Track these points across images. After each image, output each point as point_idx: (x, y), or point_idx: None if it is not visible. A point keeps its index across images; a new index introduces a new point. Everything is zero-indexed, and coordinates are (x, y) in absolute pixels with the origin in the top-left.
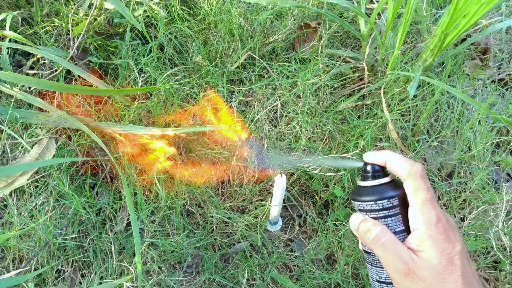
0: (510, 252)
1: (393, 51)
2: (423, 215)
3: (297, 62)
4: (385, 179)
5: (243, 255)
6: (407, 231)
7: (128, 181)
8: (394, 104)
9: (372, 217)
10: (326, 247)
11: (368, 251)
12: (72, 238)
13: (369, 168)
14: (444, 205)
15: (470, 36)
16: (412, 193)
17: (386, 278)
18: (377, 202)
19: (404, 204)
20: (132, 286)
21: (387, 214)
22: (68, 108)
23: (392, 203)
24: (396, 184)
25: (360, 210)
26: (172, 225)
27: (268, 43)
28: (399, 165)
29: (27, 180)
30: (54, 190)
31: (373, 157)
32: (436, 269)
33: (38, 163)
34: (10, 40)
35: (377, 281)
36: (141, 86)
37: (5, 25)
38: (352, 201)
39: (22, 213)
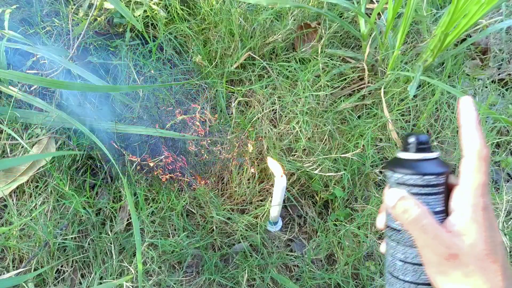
0: (510, 252)
1: (393, 51)
2: (474, 198)
3: (297, 62)
4: (434, 154)
5: (243, 255)
6: (446, 212)
7: (128, 181)
8: (394, 104)
9: (413, 193)
10: (326, 247)
11: (398, 228)
12: (72, 238)
13: (416, 139)
14: None
15: (470, 36)
16: (471, 172)
17: (414, 259)
18: (425, 177)
19: (446, 184)
20: (132, 286)
21: (430, 191)
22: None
23: (439, 181)
24: (442, 161)
25: (398, 184)
26: (172, 225)
27: (268, 43)
28: (473, 138)
29: (27, 180)
30: (54, 190)
31: (465, 107)
32: (479, 256)
33: (38, 156)
34: (9, 40)
35: (401, 260)
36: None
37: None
38: (389, 173)
39: (22, 213)
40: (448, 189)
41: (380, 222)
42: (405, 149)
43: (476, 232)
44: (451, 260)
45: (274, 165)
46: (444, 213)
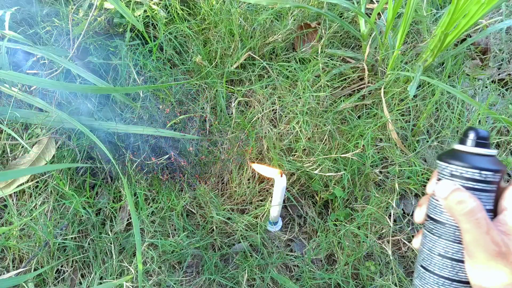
0: None
1: (393, 51)
2: None
3: (297, 62)
4: (493, 151)
5: (243, 255)
6: (494, 212)
7: (128, 181)
8: (394, 104)
9: (467, 187)
10: (326, 247)
11: (444, 221)
12: (72, 238)
13: (477, 133)
14: None
15: (470, 36)
16: None
17: (455, 255)
18: (482, 172)
19: (498, 184)
20: (132, 286)
21: (485, 187)
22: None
23: (495, 178)
24: (499, 161)
25: (452, 175)
26: (172, 225)
27: (268, 43)
28: None
29: (27, 180)
30: (54, 190)
31: None
32: None
33: (35, 169)
34: (10, 40)
35: (440, 255)
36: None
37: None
38: (444, 164)
39: (22, 213)
40: (499, 189)
41: (419, 215)
42: (464, 142)
43: None
44: (500, 258)
45: (263, 169)
46: (492, 212)
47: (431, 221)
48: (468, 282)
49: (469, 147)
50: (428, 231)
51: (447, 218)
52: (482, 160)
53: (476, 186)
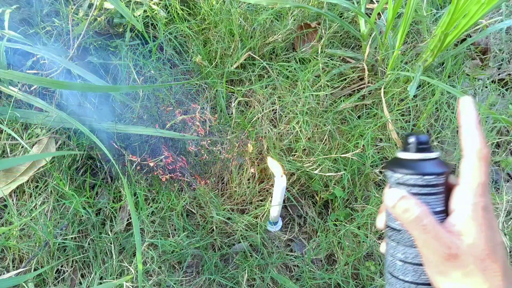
0: (510, 252)
1: (393, 51)
2: (475, 197)
3: (297, 62)
4: (434, 154)
5: (243, 255)
6: (446, 212)
7: (128, 181)
8: (394, 104)
9: (413, 193)
10: (326, 247)
11: (399, 228)
12: (72, 238)
13: (416, 139)
14: None
15: (470, 36)
16: (471, 172)
17: (414, 259)
18: (425, 177)
19: (446, 184)
20: (132, 286)
21: (430, 191)
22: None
23: (439, 181)
24: (443, 161)
25: (398, 184)
26: (172, 225)
27: (268, 43)
28: (473, 137)
29: (27, 180)
30: (54, 190)
31: (464, 108)
32: (480, 256)
33: (38, 156)
34: (9, 40)
35: (401, 260)
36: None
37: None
38: (389, 173)
39: (22, 213)
40: (448, 189)
41: (380, 222)
42: (405, 149)
43: (476, 232)
44: (451, 260)
45: (274, 165)
46: (444, 213)
47: (388, 228)
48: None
49: (409, 153)
50: (388, 237)
51: (401, 225)
52: (423, 165)
53: (421, 191)
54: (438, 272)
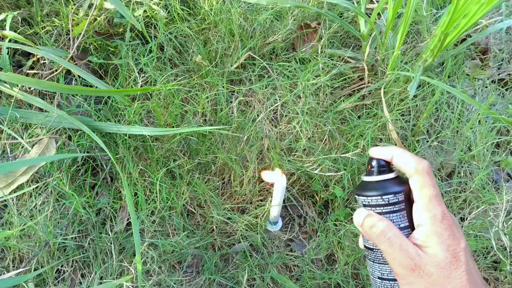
0: (510, 252)
1: (393, 51)
2: (429, 211)
3: (297, 62)
4: (391, 175)
5: (243, 255)
6: (411, 227)
7: (128, 181)
8: (394, 104)
9: (377, 212)
10: (326, 247)
11: (371, 247)
12: (72, 238)
13: (375, 163)
14: None
15: (470, 36)
16: (419, 189)
17: (389, 275)
18: (383, 196)
19: (408, 200)
20: (132, 286)
21: (392, 209)
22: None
23: (398, 198)
24: (402, 180)
25: (364, 205)
26: (172, 225)
27: (268, 43)
28: (406, 161)
29: (27, 180)
30: (54, 190)
31: (379, 152)
32: (442, 264)
33: (39, 159)
34: (10, 40)
35: (379, 278)
36: (141, 86)
37: (5, 25)
38: (356, 196)
39: (22, 213)
40: (411, 206)
41: (360, 242)
42: (368, 172)
43: (437, 243)
44: (416, 271)
45: (269, 176)
46: (409, 228)
47: (365, 248)
48: None
49: (369, 176)
50: (366, 257)
51: (373, 244)
52: (382, 186)
53: (384, 210)
54: (407, 284)
